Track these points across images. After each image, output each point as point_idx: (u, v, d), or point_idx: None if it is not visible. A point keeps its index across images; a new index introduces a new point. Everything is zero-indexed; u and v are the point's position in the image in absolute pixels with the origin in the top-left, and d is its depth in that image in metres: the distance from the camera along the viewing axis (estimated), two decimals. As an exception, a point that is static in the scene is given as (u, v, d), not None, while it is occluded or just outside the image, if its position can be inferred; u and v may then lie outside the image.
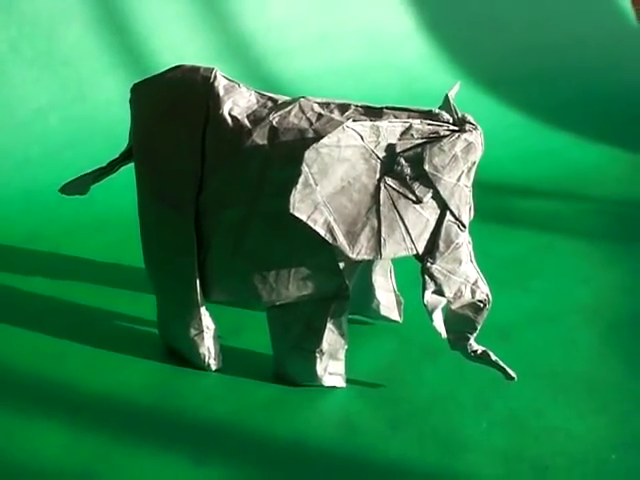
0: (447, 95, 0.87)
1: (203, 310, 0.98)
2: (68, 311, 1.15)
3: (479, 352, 0.93)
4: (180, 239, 0.94)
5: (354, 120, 0.83)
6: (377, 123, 0.83)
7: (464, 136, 0.82)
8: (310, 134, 0.84)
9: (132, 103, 0.98)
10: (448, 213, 0.85)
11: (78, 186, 1.07)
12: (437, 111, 0.85)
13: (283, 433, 0.91)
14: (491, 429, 0.93)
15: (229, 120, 0.88)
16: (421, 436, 0.91)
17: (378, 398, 0.98)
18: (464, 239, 0.87)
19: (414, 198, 0.84)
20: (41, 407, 0.94)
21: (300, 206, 0.83)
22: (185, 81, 0.91)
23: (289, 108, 0.87)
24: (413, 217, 0.85)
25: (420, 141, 0.83)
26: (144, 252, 1.01)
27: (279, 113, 0.87)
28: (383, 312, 1.11)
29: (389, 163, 0.84)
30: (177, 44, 1.62)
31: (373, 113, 0.85)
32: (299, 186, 0.82)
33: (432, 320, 0.90)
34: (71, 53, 1.56)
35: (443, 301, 0.89)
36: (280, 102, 0.89)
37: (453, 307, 0.90)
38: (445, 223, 0.86)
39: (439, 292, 0.89)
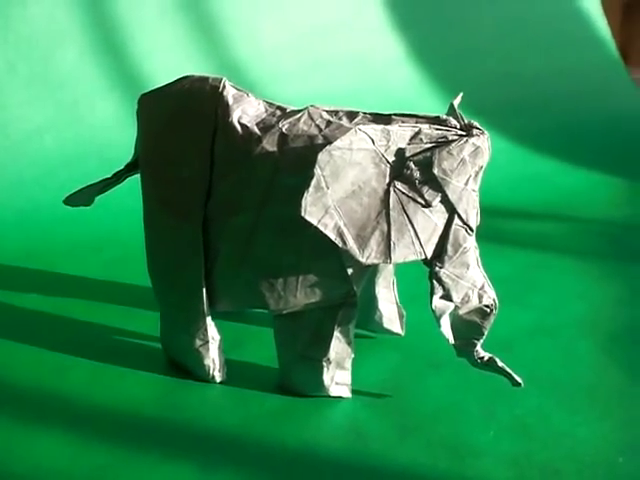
0: (452, 103, 0.89)
1: (209, 320, 0.98)
2: (66, 327, 1.14)
3: (486, 359, 0.94)
4: (187, 248, 0.94)
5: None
6: (388, 127, 0.84)
7: (472, 140, 0.84)
8: (320, 140, 0.85)
9: (139, 114, 0.98)
10: (456, 217, 0.86)
11: (82, 197, 1.07)
12: (444, 117, 0.87)
13: (292, 441, 0.90)
14: (499, 436, 0.93)
15: (238, 128, 0.89)
16: (430, 443, 0.91)
17: (385, 407, 0.98)
18: (471, 243, 0.88)
19: (423, 202, 0.85)
20: (43, 419, 0.92)
21: (311, 210, 0.84)
22: (193, 91, 0.92)
23: (298, 116, 0.88)
24: (422, 221, 0.86)
25: (429, 145, 0.84)
26: (149, 262, 1.01)
27: (288, 120, 0.88)
28: (386, 325, 1.11)
29: (398, 167, 0.85)
30: (172, 68, 1.63)
31: (382, 119, 0.87)
32: (311, 189, 0.83)
33: (440, 326, 0.90)
34: (67, 75, 1.57)
35: (451, 306, 0.90)
36: (288, 111, 0.90)
37: (460, 312, 0.91)
38: (453, 227, 0.87)
39: (447, 297, 0.89)
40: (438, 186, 0.85)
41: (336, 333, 0.94)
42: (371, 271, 1.04)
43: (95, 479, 0.82)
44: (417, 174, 0.84)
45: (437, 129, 0.85)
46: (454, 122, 0.86)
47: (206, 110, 0.90)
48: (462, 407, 0.98)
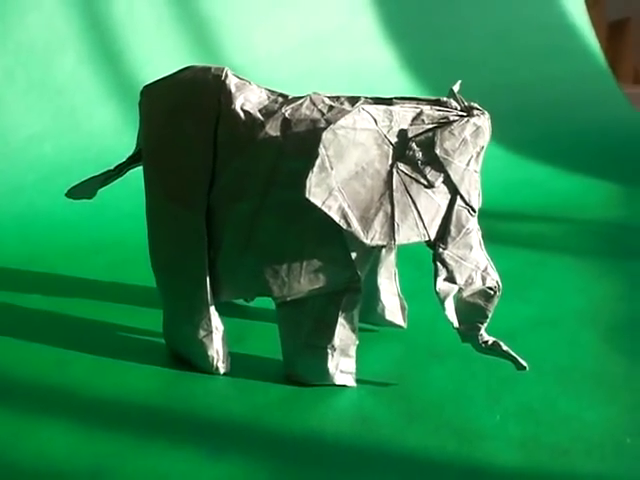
0: (451, 89, 0.90)
1: (212, 310, 0.97)
2: (67, 324, 1.14)
3: (490, 342, 0.94)
4: (190, 237, 0.94)
5: None
6: (390, 107, 0.85)
7: (473, 120, 0.85)
8: (322, 124, 0.86)
9: (141, 105, 0.99)
10: (458, 198, 0.87)
11: (85, 190, 1.07)
12: (445, 99, 0.88)
13: (299, 428, 0.90)
14: (505, 420, 0.92)
15: (241, 114, 0.90)
16: (437, 428, 0.90)
17: (390, 395, 0.97)
18: (474, 225, 0.89)
19: (426, 183, 0.86)
20: (46, 410, 0.91)
21: (315, 191, 0.84)
22: (196, 80, 0.93)
23: (300, 102, 0.89)
24: (425, 202, 0.86)
25: (431, 126, 0.85)
26: (151, 254, 1.01)
27: (291, 106, 0.89)
28: (388, 317, 1.11)
29: (401, 148, 0.86)
30: (168, 77, 1.65)
31: (383, 103, 0.88)
32: (315, 169, 0.83)
33: (444, 309, 0.91)
34: (65, 83, 1.58)
35: (455, 289, 0.90)
36: (290, 97, 0.91)
37: (464, 295, 0.91)
38: (456, 208, 0.87)
39: (450, 279, 0.90)
40: (440, 166, 0.85)
41: (340, 319, 0.94)
42: (373, 261, 1.04)
43: (101, 466, 0.82)
44: (419, 155, 0.85)
45: (438, 110, 0.86)
46: (454, 104, 0.87)
47: (209, 98, 0.91)
48: (467, 394, 0.98)
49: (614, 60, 3.48)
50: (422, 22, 2.16)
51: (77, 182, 1.06)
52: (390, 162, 0.86)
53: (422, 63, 2.10)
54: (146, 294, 1.24)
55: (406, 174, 0.86)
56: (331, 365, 0.96)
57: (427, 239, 0.88)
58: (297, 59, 1.85)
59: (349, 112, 0.84)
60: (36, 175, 1.49)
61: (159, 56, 1.64)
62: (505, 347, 0.93)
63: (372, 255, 0.93)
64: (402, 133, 0.85)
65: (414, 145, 0.85)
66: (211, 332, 0.98)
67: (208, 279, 0.95)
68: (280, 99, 0.91)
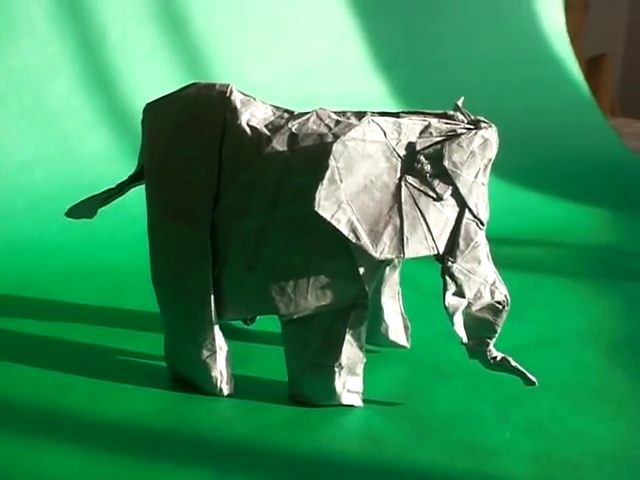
0: (456, 103, 0.91)
1: (217, 329, 0.96)
2: (64, 349, 1.11)
3: (499, 358, 0.93)
4: (194, 255, 0.93)
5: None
6: (399, 120, 0.85)
7: (480, 132, 0.85)
8: (330, 138, 0.86)
9: (144, 123, 0.98)
10: (467, 211, 0.87)
11: (85, 209, 1.05)
12: (452, 113, 0.88)
13: (308, 449, 0.88)
14: (516, 436, 0.91)
15: (247, 130, 0.89)
16: (447, 445, 0.89)
17: (398, 414, 0.96)
18: (482, 238, 0.89)
19: (435, 196, 0.86)
20: (46, 433, 0.89)
21: (324, 204, 0.83)
22: (200, 96, 0.93)
23: (307, 117, 0.89)
24: (434, 215, 0.86)
25: (439, 139, 0.85)
26: (153, 273, 0.99)
27: (297, 121, 0.89)
28: (391, 337, 1.10)
29: (409, 161, 0.86)
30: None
31: (391, 116, 0.88)
32: (325, 182, 0.83)
33: (453, 324, 0.90)
34: (58, 109, 1.57)
35: (464, 303, 0.89)
36: (296, 113, 0.91)
37: (473, 309, 0.90)
38: (464, 221, 0.87)
39: (459, 293, 0.89)
40: (449, 179, 0.86)
41: (347, 337, 0.93)
42: (378, 279, 1.03)
43: (109, 486, 0.79)
44: (428, 167, 0.85)
45: (446, 123, 0.86)
46: (461, 117, 0.87)
47: (214, 114, 0.91)
48: (475, 412, 0.97)
49: (592, 93, 3.56)
50: (410, 53, 2.19)
51: (76, 202, 1.04)
52: (398, 175, 0.86)
53: (410, 93, 2.12)
54: (143, 318, 1.22)
55: (414, 187, 0.86)
56: (338, 384, 0.94)
57: (436, 252, 0.87)
58: (287, 88, 1.87)
59: (359, 124, 0.84)
60: (27, 201, 1.47)
61: (152, 83, 1.64)
62: (514, 362, 0.93)
63: (380, 270, 0.93)
64: (410, 146, 0.85)
65: (422, 158, 0.85)
66: (215, 352, 0.96)
67: (212, 297, 0.94)
68: (286, 115, 0.91)
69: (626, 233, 1.89)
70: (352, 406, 0.96)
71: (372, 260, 0.89)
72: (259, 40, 1.89)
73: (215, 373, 0.97)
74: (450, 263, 0.88)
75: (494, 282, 0.90)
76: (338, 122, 0.88)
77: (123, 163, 1.52)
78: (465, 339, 0.91)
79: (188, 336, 0.97)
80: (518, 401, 0.99)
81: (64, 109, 1.57)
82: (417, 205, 0.86)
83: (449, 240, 0.88)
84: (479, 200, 0.87)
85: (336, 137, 0.85)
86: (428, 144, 0.85)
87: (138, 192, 1.60)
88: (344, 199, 0.84)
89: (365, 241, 0.85)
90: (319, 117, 0.89)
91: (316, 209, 0.83)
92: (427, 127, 0.86)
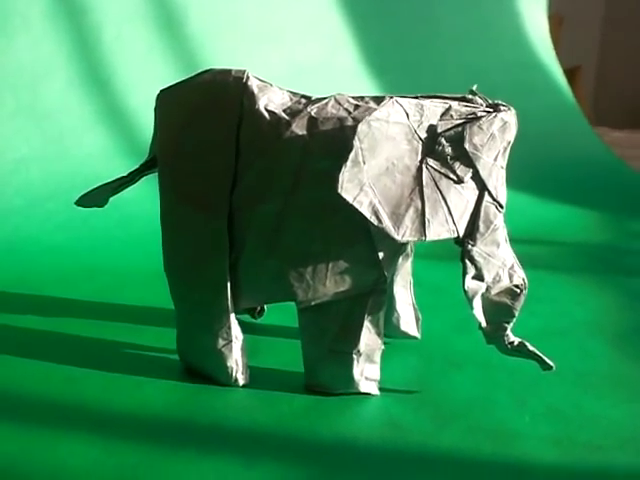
0: (471, 89, 0.91)
1: (233, 317, 0.94)
2: (69, 343, 1.09)
3: (516, 343, 0.93)
4: (211, 242, 0.92)
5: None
6: (421, 102, 0.86)
7: (500, 115, 0.86)
8: (349, 122, 0.86)
9: (157, 110, 0.97)
10: (486, 194, 0.87)
11: (96, 198, 1.03)
12: (470, 96, 0.89)
13: (329, 435, 0.87)
14: (535, 421, 0.91)
15: (266, 114, 0.89)
16: (470, 430, 0.89)
17: (416, 402, 0.95)
18: (501, 221, 0.89)
19: (455, 178, 0.86)
20: (61, 426, 0.86)
21: (347, 186, 0.83)
22: (217, 82, 0.92)
23: (325, 101, 0.89)
24: (455, 198, 0.86)
25: (460, 121, 0.86)
26: (166, 263, 0.98)
27: (316, 105, 0.88)
28: (403, 327, 1.10)
29: (430, 144, 0.86)
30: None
31: (412, 99, 0.88)
32: (349, 163, 0.83)
33: (472, 308, 0.90)
34: (53, 107, 1.55)
35: (483, 287, 0.89)
36: (314, 98, 0.91)
37: (491, 293, 0.90)
38: (484, 204, 0.87)
39: (478, 277, 0.89)
40: (469, 161, 0.86)
41: (366, 323, 0.92)
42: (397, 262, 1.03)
43: (127, 477, 0.77)
44: (449, 150, 0.85)
45: (465, 106, 0.87)
46: (480, 100, 0.88)
47: (230, 100, 0.90)
48: (492, 398, 0.97)
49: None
50: (401, 59, 2.21)
51: (86, 190, 1.02)
52: (419, 157, 0.86)
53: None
54: (146, 313, 1.20)
55: (435, 169, 0.86)
56: (356, 371, 0.94)
57: (456, 235, 0.87)
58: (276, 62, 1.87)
59: (383, 104, 0.84)
60: (23, 200, 1.44)
61: (148, 83, 1.63)
62: (531, 347, 0.93)
63: (399, 255, 0.92)
64: (431, 128, 0.86)
65: (443, 140, 0.85)
66: (231, 341, 0.95)
67: (229, 285, 0.93)
68: (303, 100, 0.90)
69: (616, 232, 1.92)
70: (369, 394, 0.96)
71: (391, 245, 0.89)
72: (253, 42, 1.89)
73: (231, 362, 0.95)
74: (470, 246, 0.88)
75: (512, 266, 0.90)
76: (357, 106, 0.87)
77: (119, 162, 1.51)
78: (484, 323, 0.91)
79: (203, 325, 0.95)
80: (533, 388, 1.00)
81: (60, 107, 1.55)
82: (438, 188, 0.86)
83: (469, 223, 0.88)
84: (498, 183, 0.88)
85: (356, 121, 0.85)
86: (449, 126, 0.86)
87: (135, 192, 1.59)
88: (366, 182, 0.84)
89: (387, 224, 0.85)
90: (337, 102, 0.88)
91: (339, 191, 0.83)
92: (448, 110, 0.86)
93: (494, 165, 0.87)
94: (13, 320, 1.15)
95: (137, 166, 1.01)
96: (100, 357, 1.04)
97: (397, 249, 0.91)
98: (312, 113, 0.87)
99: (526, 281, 0.92)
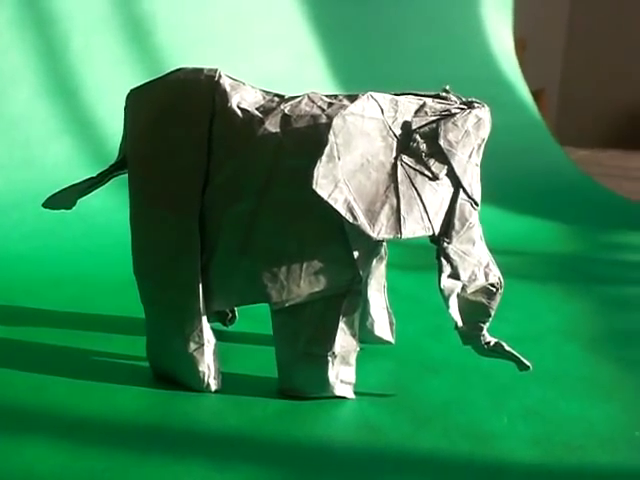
0: (445, 87, 0.91)
1: (204, 321, 0.92)
2: (36, 351, 1.05)
3: (492, 343, 0.92)
4: (181, 242, 0.90)
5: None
6: (396, 97, 0.85)
7: (475, 112, 0.86)
8: (323, 120, 0.85)
9: (127, 110, 0.95)
10: (461, 191, 0.87)
11: (64, 199, 1.00)
12: (444, 94, 0.89)
13: (305, 438, 0.84)
14: (513, 422, 0.90)
15: (238, 112, 0.87)
16: (447, 431, 0.87)
17: (392, 405, 0.94)
18: (476, 219, 0.89)
19: (430, 175, 0.85)
20: (27, 432, 0.83)
21: (322, 182, 0.82)
22: (188, 81, 0.91)
23: (298, 99, 0.88)
24: (430, 195, 0.85)
25: (434, 118, 0.85)
26: (135, 265, 0.95)
27: (289, 103, 0.87)
28: (377, 332, 1.08)
29: (405, 140, 0.85)
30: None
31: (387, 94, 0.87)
32: (324, 158, 0.81)
33: (448, 307, 0.89)
34: (20, 115, 1.52)
35: (459, 285, 0.89)
36: (287, 97, 0.90)
37: (467, 292, 0.90)
38: (459, 201, 0.87)
39: (454, 275, 0.88)
40: (444, 158, 0.85)
41: (341, 324, 0.90)
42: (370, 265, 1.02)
43: (98, 478, 0.74)
44: (423, 146, 0.85)
45: (440, 102, 0.87)
46: (454, 98, 0.88)
47: (202, 98, 0.89)
48: (469, 401, 0.96)
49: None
50: (368, 71, 2.22)
51: (55, 191, 1.00)
52: (394, 154, 0.85)
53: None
54: (115, 322, 1.17)
55: (410, 166, 0.85)
56: (331, 374, 0.92)
57: (431, 233, 0.87)
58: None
59: (358, 98, 0.84)
60: (-13, 209, 1.41)
61: (115, 92, 1.59)
62: (508, 347, 0.92)
63: (374, 255, 0.91)
64: (406, 125, 0.85)
65: (418, 137, 0.85)
66: (202, 345, 0.92)
67: (200, 287, 0.90)
68: (276, 98, 0.89)
69: (583, 244, 1.94)
70: (344, 398, 0.94)
71: (366, 244, 0.88)
72: (221, 53, 1.89)
73: (203, 367, 0.93)
74: (445, 244, 0.87)
75: (488, 264, 0.90)
76: (331, 104, 0.86)
77: (86, 171, 1.47)
78: (460, 323, 0.90)
79: (174, 329, 0.93)
80: (509, 390, 0.99)
81: (26, 116, 1.52)
82: (413, 185, 0.85)
83: (444, 220, 0.87)
84: (473, 180, 0.87)
85: (330, 118, 0.84)
86: (424, 123, 0.85)
87: (103, 202, 1.57)
88: (341, 178, 0.83)
89: (362, 221, 0.84)
90: (311, 99, 0.88)
91: (313, 187, 0.81)
92: (422, 106, 0.86)
93: (469, 162, 0.86)
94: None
95: (106, 167, 0.99)
96: (68, 365, 1.01)
97: (372, 249, 0.90)
98: (285, 111, 0.87)
99: (502, 280, 0.91)
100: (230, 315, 1.16)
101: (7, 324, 1.13)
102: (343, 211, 0.83)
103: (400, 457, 0.82)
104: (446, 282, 0.88)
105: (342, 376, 0.93)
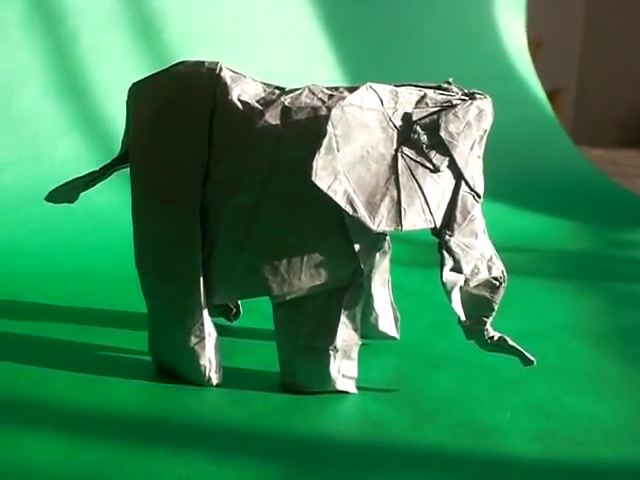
0: (448, 80, 0.90)
1: (205, 314, 0.92)
2: (39, 345, 1.05)
3: (496, 338, 0.91)
4: (183, 235, 0.90)
5: None
6: (396, 88, 0.84)
7: (476, 103, 0.85)
8: (324, 111, 0.84)
9: (129, 103, 0.96)
10: (463, 183, 0.86)
11: (66, 193, 1.00)
12: (446, 85, 0.88)
13: (306, 432, 0.84)
14: (517, 417, 0.89)
15: (239, 104, 0.87)
16: (450, 426, 0.86)
17: (395, 400, 0.93)
18: (478, 212, 0.88)
19: (431, 167, 0.84)
20: (28, 424, 0.83)
21: (321, 174, 0.81)
22: (189, 74, 0.91)
23: (299, 92, 0.87)
24: (431, 187, 0.85)
25: (435, 109, 0.85)
26: (137, 259, 0.95)
27: (290, 95, 0.87)
28: (381, 327, 1.08)
29: (405, 132, 0.84)
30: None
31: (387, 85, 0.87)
32: (323, 149, 0.81)
33: (450, 301, 0.88)
34: (29, 113, 1.53)
35: (461, 279, 0.88)
36: (287, 89, 0.89)
37: (470, 285, 0.89)
38: (461, 193, 0.86)
39: (457, 269, 0.87)
40: (445, 150, 0.84)
41: (342, 318, 0.90)
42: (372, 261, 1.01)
43: (95, 472, 0.74)
44: (424, 138, 0.84)
45: (441, 94, 0.86)
46: (456, 89, 0.87)
47: (203, 91, 0.88)
48: (473, 396, 0.95)
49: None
50: (379, 70, 2.21)
51: (57, 185, 1.00)
52: (395, 146, 0.84)
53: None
54: (119, 317, 1.17)
55: (411, 158, 0.84)
56: (333, 368, 0.91)
57: (433, 225, 0.86)
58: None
59: (357, 89, 0.83)
60: (-5, 206, 1.42)
61: (124, 90, 1.60)
62: (511, 342, 0.91)
63: (376, 248, 0.90)
64: (406, 116, 0.84)
65: (419, 128, 0.84)
66: (203, 339, 0.92)
67: (201, 280, 0.90)
68: (277, 91, 0.89)
69: (595, 241, 1.91)
70: (346, 392, 0.93)
71: (368, 237, 0.87)
72: (231, 50, 1.89)
73: (203, 361, 0.93)
74: (447, 237, 0.86)
75: (491, 257, 0.89)
76: (331, 96, 0.86)
77: (94, 168, 1.48)
78: (463, 317, 0.89)
79: (175, 322, 0.92)
80: (514, 385, 0.98)
81: (35, 114, 1.53)
82: (414, 177, 0.84)
83: (446, 213, 0.86)
84: (475, 172, 0.86)
85: (330, 110, 0.84)
86: (424, 114, 0.84)
87: (109, 198, 1.57)
88: (341, 170, 0.82)
89: (362, 213, 0.83)
90: (311, 91, 0.87)
91: (313, 179, 0.81)
92: (423, 97, 0.85)
93: (470, 154, 0.86)
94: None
95: (109, 160, 0.99)
96: (71, 359, 1.01)
97: (374, 242, 0.89)
98: (286, 103, 0.86)
99: (505, 273, 0.90)
100: (234, 310, 1.16)
101: (12, 318, 1.14)
102: (343, 203, 0.83)
103: (402, 452, 0.81)
104: (448, 275, 0.87)
105: (344, 370, 0.92)
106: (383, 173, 0.84)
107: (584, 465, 0.79)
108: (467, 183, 0.86)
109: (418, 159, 0.84)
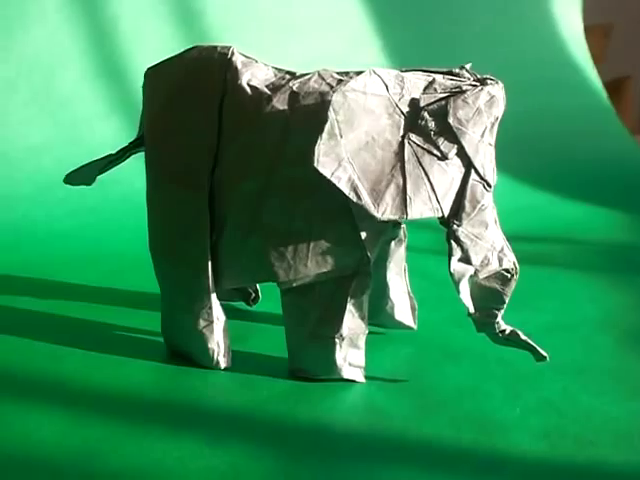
0: (463, 65, 0.88)
1: (214, 298, 0.92)
2: (62, 324, 1.09)
3: (507, 332, 0.89)
4: (192, 219, 0.90)
5: None
6: (402, 74, 0.83)
7: (487, 89, 0.82)
8: (331, 97, 0.83)
9: (145, 87, 0.97)
10: (473, 171, 0.83)
11: (84, 175, 1.03)
12: (457, 70, 0.85)
13: (307, 420, 0.84)
14: (526, 413, 0.87)
15: (248, 89, 0.87)
16: (454, 420, 0.85)
17: (402, 390, 0.92)
18: (489, 201, 0.85)
19: (439, 154, 0.82)
20: (37, 400, 0.86)
21: (324, 160, 0.80)
22: (202, 58, 0.91)
23: (308, 76, 0.86)
24: (438, 175, 0.83)
25: (443, 95, 0.82)
26: (151, 241, 0.96)
27: (298, 80, 0.86)
28: (397, 316, 1.06)
29: (412, 118, 0.82)
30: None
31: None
32: (325, 135, 0.80)
33: (458, 292, 0.86)
34: (67, 96, 1.57)
35: (470, 270, 0.85)
36: (298, 74, 0.88)
37: (480, 277, 0.86)
38: (470, 182, 0.83)
39: (465, 260, 0.85)
40: (454, 137, 0.82)
41: (349, 306, 0.89)
42: (383, 254, 1.00)
43: (93, 450, 0.76)
44: (432, 125, 0.82)
45: (451, 79, 0.83)
46: (467, 74, 0.84)
47: (214, 76, 0.89)
48: (484, 390, 0.93)
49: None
50: (425, 56, 2.17)
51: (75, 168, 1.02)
52: (401, 133, 0.82)
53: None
54: (143, 298, 1.19)
55: (418, 145, 0.82)
56: (339, 356, 0.91)
57: (440, 214, 0.84)
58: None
59: (360, 74, 0.82)
60: (33, 186, 1.46)
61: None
62: (524, 336, 0.88)
63: (382, 236, 0.89)
64: (414, 102, 0.82)
65: (426, 114, 0.82)
66: (212, 322, 0.93)
67: (210, 264, 0.91)
68: (287, 76, 0.88)
69: (636, 233, 1.84)
70: (354, 381, 0.93)
71: (374, 224, 0.86)
72: (273, 36, 1.89)
73: (212, 344, 0.93)
74: (455, 226, 0.84)
75: (502, 249, 0.86)
76: (340, 81, 0.84)
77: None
78: (472, 309, 0.87)
79: (184, 305, 0.94)
80: (529, 380, 0.95)
81: (74, 97, 1.57)
82: (421, 164, 0.82)
83: (454, 202, 0.84)
84: (486, 160, 0.84)
85: (336, 95, 0.82)
86: (432, 100, 0.82)
87: (144, 182, 1.60)
88: (345, 156, 0.81)
89: (366, 201, 0.82)
90: (321, 76, 0.86)
91: (315, 165, 0.80)
92: (431, 83, 0.83)
93: (481, 141, 0.83)
94: (13, 301, 1.15)
95: (126, 144, 1.00)
96: (89, 337, 1.04)
97: (381, 229, 0.88)
98: (294, 88, 0.85)
99: (517, 265, 0.88)
100: (254, 295, 1.16)
101: (41, 297, 1.17)
102: (347, 190, 0.81)
103: (400, 442, 0.80)
104: (456, 266, 0.85)
105: (350, 359, 0.92)
106: (389, 160, 0.82)
107: (588, 466, 0.77)
108: (477, 171, 0.83)
109: (425, 146, 0.82)
